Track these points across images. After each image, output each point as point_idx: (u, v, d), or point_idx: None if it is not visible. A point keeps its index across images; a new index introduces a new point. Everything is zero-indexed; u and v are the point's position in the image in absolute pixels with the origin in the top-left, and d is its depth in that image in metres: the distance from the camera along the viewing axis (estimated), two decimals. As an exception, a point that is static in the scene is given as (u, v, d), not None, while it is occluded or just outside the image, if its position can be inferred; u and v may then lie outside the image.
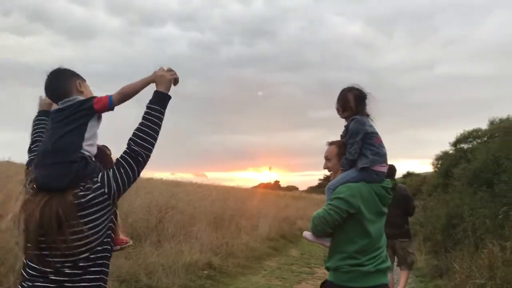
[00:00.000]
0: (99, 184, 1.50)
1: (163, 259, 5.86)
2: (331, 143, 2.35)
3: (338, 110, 2.26)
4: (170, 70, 1.69)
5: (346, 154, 2.16)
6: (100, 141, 1.68)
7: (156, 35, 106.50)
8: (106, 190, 1.49)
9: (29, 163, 1.74)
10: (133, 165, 1.56)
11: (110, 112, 1.65)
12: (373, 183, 2.12)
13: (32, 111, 1.94)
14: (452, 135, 17.98)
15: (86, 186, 1.48)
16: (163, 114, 1.64)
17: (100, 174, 1.53)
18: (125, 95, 1.63)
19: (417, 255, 9.18)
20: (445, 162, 16.56)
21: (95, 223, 1.48)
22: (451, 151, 17.03)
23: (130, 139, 1.59)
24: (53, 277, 1.45)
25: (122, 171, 1.54)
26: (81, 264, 1.47)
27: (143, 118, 1.62)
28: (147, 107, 1.63)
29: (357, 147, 2.11)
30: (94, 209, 1.47)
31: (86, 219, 1.46)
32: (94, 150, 1.60)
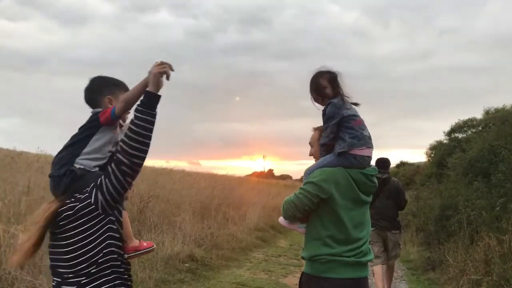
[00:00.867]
0: (87, 194, 1.50)
1: (140, 251, 5.50)
2: (315, 129, 2.28)
3: (317, 99, 2.13)
4: (161, 63, 1.54)
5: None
6: None
7: (149, 21, 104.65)
8: (92, 201, 1.49)
9: None
10: (119, 175, 1.50)
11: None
12: (352, 168, 2.00)
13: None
14: (446, 125, 17.71)
15: (77, 197, 1.50)
16: (153, 116, 1.52)
17: (92, 185, 1.51)
18: (127, 102, 1.58)
19: (409, 246, 9.00)
20: (438, 151, 16.28)
21: (86, 234, 1.47)
22: (445, 141, 16.76)
23: (120, 146, 1.52)
24: (63, 287, 1.50)
25: (107, 181, 1.51)
26: (83, 281, 1.47)
27: (132, 123, 1.50)
28: (136, 110, 1.52)
29: (329, 132, 2.02)
30: (83, 219, 1.47)
31: (75, 231, 1.47)
32: (94, 163, 1.59)
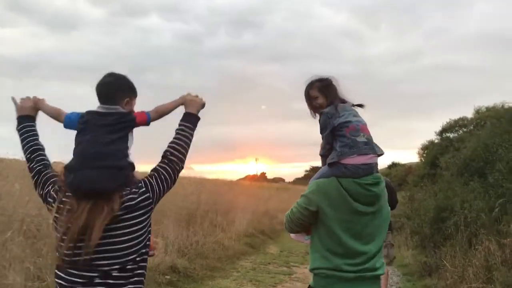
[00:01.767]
0: (144, 189, 1.58)
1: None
2: None
3: (312, 110, 2.11)
4: (197, 96, 1.84)
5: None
6: None
7: (140, 25, 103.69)
8: (150, 195, 1.59)
9: (38, 172, 1.69)
10: (171, 173, 1.66)
11: None
12: (344, 178, 1.90)
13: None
14: (437, 126, 17.44)
15: (132, 190, 1.56)
16: (194, 131, 1.77)
17: (142, 180, 1.61)
18: (160, 114, 1.77)
19: (404, 250, 8.66)
20: (431, 151, 16.03)
21: (141, 226, 1.55)
22: (436, 141, 16.53)
23: (167, 150, 1.69)
24: (98, 281, 1.49)
25: (162, 178, 1.64)
26: (128, 266, 1.52)
27: (178, 133, 1.73)
28: (181, 125, 1.75)
29: (325, 143, 2.02)
30: (140, 212, 1.55)
31: (133, 221, 1.53)
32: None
